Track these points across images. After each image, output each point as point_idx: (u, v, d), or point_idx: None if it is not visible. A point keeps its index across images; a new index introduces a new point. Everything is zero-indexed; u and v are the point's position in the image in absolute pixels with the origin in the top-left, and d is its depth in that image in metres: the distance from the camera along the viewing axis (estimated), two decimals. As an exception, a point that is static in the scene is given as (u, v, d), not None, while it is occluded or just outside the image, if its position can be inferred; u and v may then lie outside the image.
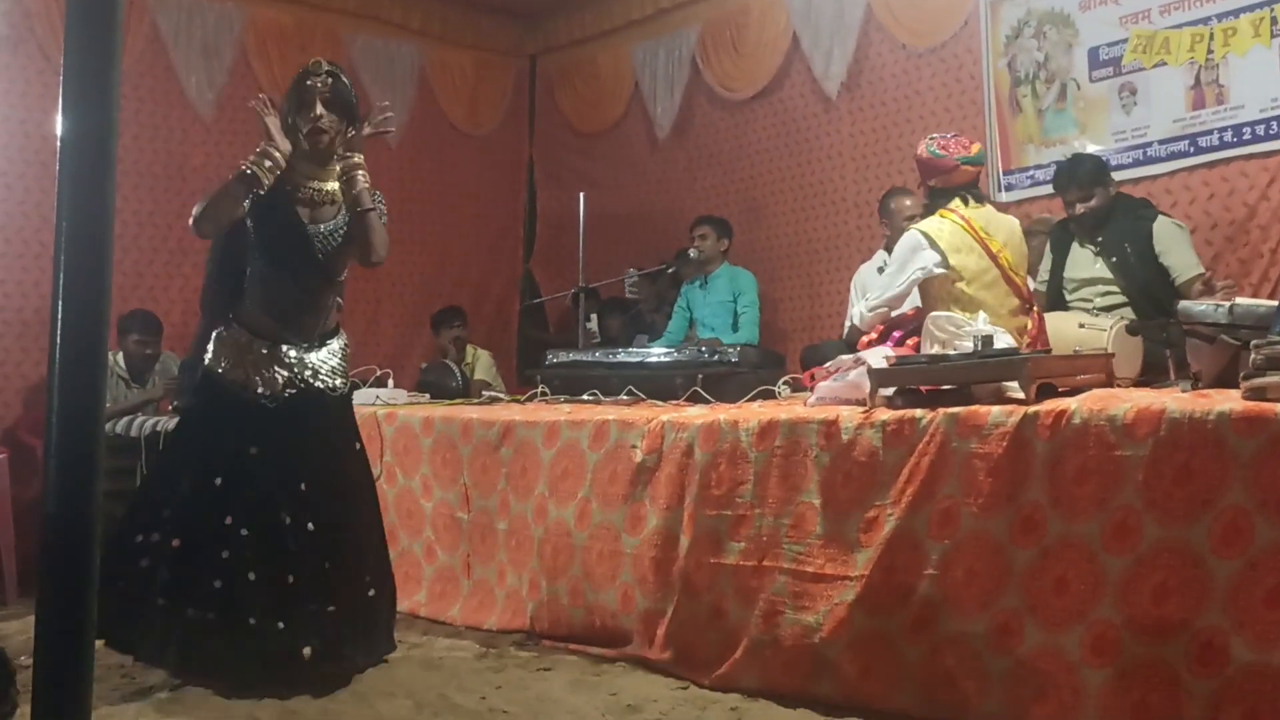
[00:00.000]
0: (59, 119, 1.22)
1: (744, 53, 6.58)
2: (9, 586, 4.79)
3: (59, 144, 1.16)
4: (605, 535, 3.67)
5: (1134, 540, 2.56)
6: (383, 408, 4.60)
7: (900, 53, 5.89)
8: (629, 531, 3.62)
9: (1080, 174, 4.27)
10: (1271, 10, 4.51)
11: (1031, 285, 4.55)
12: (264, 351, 3.39)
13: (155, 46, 6.07)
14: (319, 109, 3.26)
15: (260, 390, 3.36)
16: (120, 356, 5.36)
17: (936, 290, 3.49)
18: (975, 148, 3.63)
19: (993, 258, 3.46)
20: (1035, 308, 3.62)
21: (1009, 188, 5.45)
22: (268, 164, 3.20)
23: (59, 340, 1.05)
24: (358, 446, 3.56)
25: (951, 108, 5.72)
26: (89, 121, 1.15)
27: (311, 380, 3.42)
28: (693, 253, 5.77)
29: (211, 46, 6.26)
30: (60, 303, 1.08)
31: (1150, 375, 3.64)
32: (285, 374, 3.38)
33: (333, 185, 3.38)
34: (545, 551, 3.81)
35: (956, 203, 3.54)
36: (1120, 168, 4.86)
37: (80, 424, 1.04)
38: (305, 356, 3.43)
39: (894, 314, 3.66)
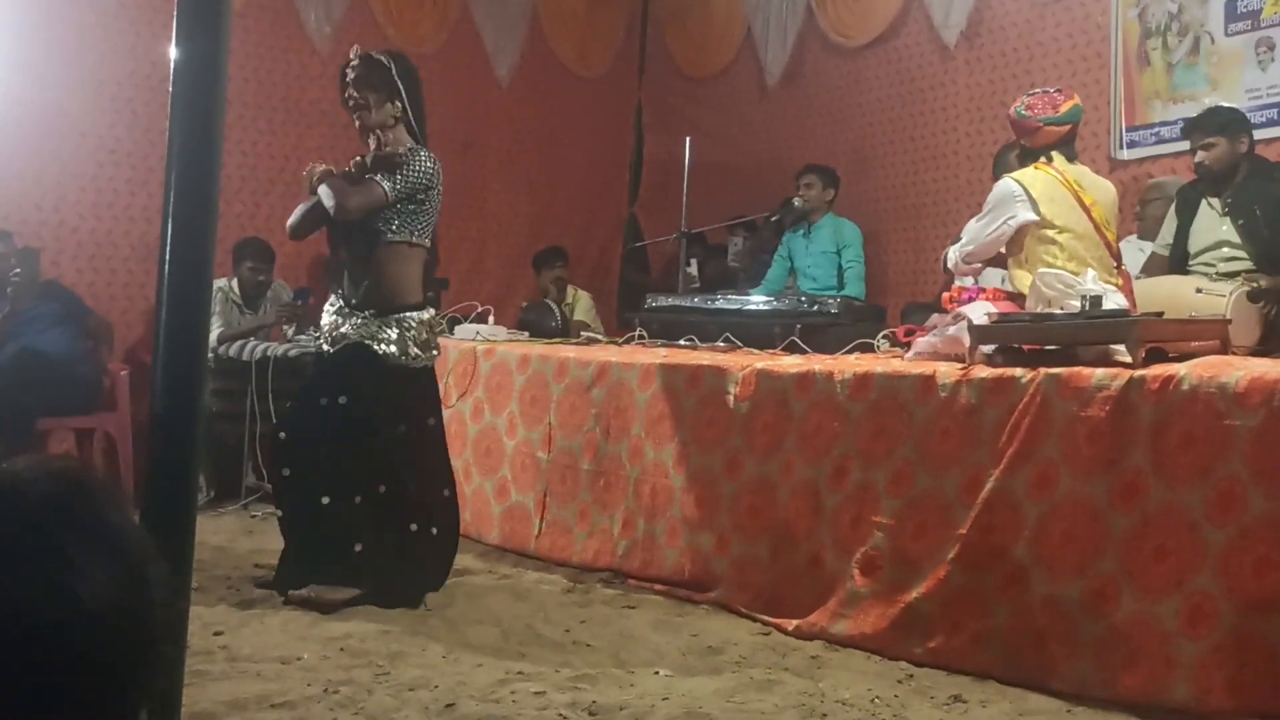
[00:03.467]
0: (172, 46, 1.25)
1: (860, -1, 6.42)
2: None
3: (172, 69, 1.20)
4: (703, 479, 3.69)
5: (1238, 511, 2.49)
6: (482, 343, 4.67)
7: (1025, 1, 5.68)
8: (727, 477, 3.63)
9: (1208, 121, 4.11)
10: None
11: (1149, 249, 4.43)
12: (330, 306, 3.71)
13: (275, -21, 6.18)
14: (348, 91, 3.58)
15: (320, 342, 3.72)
16: (235, 283, 5.52)
17: (1027, 240, 3.47)
18: (1066, 106, 3.59)
19: (1085, 210, 3.44)
20: (1122, 266, 3.61)
21: (1131, 145, 5.24)
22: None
23: (168, 254, 1.09)
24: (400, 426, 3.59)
25: (1075, 60, 5.50)
26: (200, 47, 1.18)
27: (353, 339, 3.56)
28: (797, 201, 5.70)
29: (331, -20, 6.34)
30: (169, 220, 1.12)
31: (1271, 344, 3.50)
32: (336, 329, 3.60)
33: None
34: (643, 492, 3.85)
35: (1052, 157, 3.54)
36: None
37: (185, 332, 1.09)
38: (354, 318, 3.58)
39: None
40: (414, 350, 3.50)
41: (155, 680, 0.72)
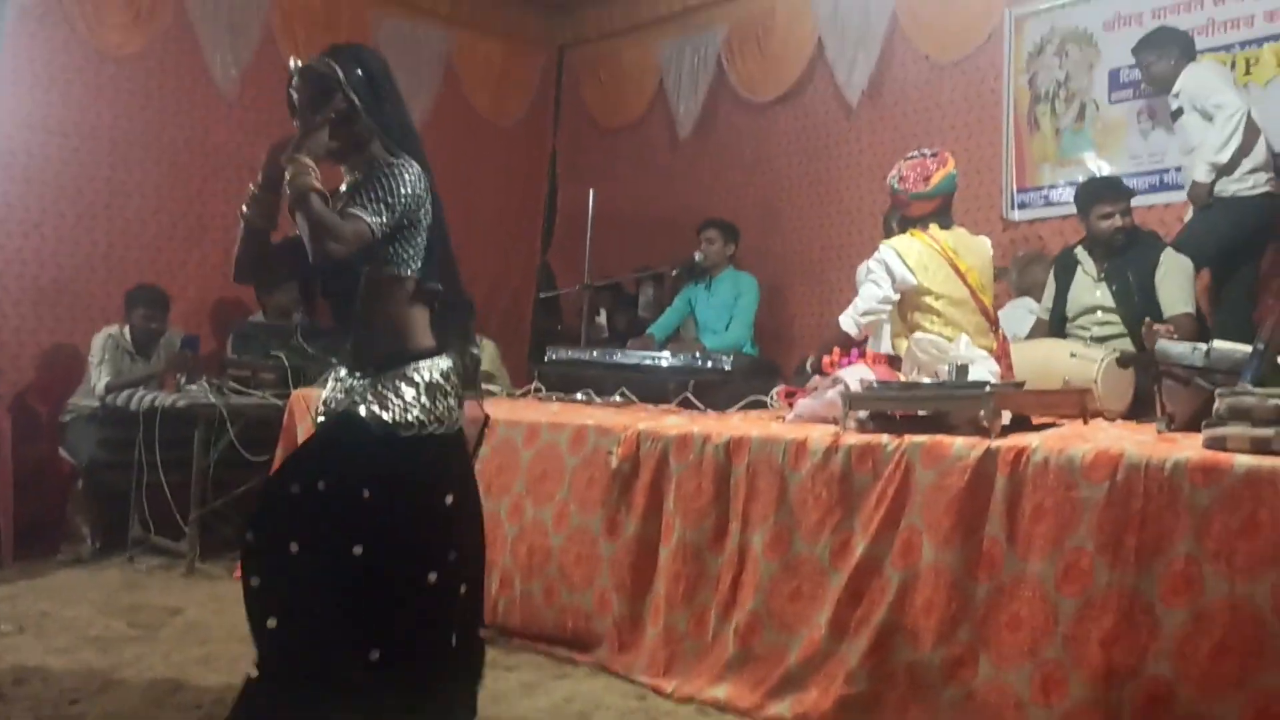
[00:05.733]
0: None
1: (769, 55, 6.55)
2: (5, 550, 4.86)
3: None
4: (583, 538, 3.68)
5: (1086, 583, 2.53)
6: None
7: (923, 64, 5.84)
8: (606, 536, 3.62)
9: (1121, 187, 4.27)
10: (1296, 41, 4.43)
11: (1033, 313, 4.54)
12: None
13: (181, 23, 6.11)
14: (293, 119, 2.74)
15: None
16: (127, 330, 5.41)
17: (905, 306, 3.65)
18: (938, 177, 3.70)
19: (961, 276, 3.55)
20: (1000, 330, 3.72)
21: (1022, 205, 5.38)
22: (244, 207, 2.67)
23: None
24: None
25: (971, 122, 5.66)
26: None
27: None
28: (698, 256, 5.76)
29: (238, 25, 6.29)
30: None
31: (1141, 409, 3.59)
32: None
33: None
34: (519, 550, 3.83)
35: (927, 226, 3.67)
36: (1136, 193, 4.80)
37: None
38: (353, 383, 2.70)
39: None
40: (418, 414, 2.59)
41: None
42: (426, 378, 2.61)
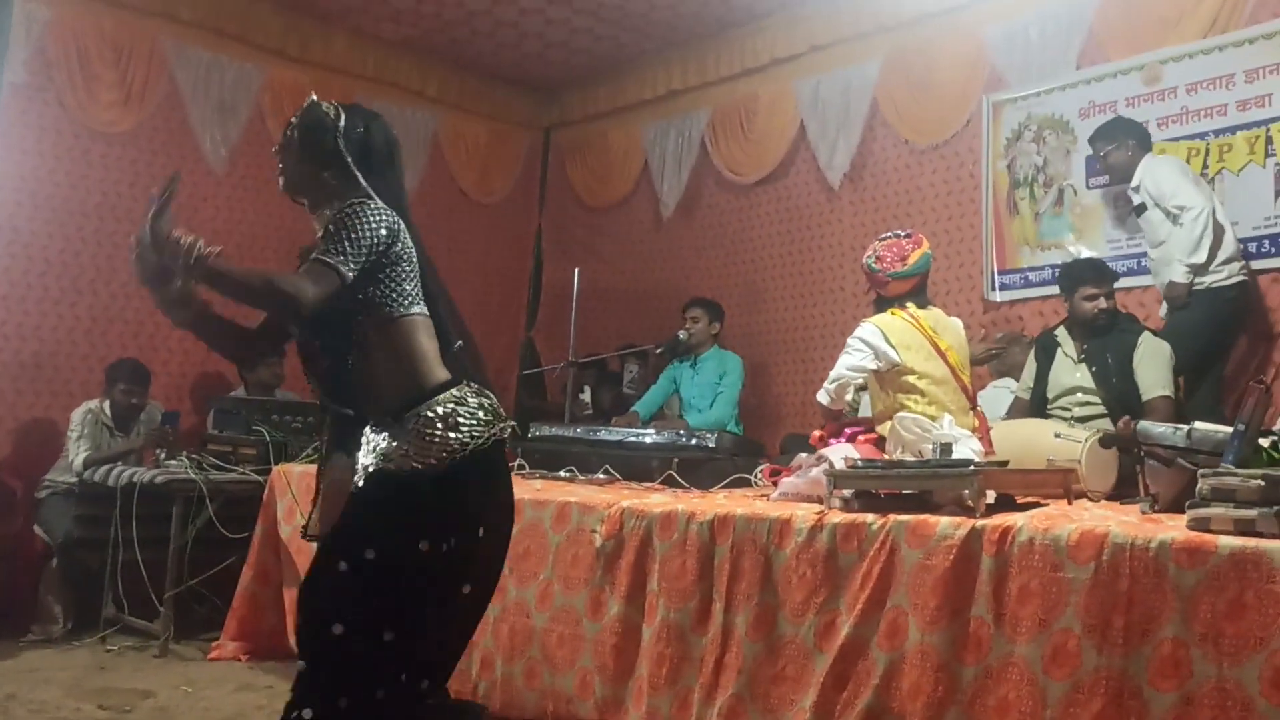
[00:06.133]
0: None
1: (752, 138, 6.66)
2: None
3: None
4: (566, 619, 3.63)
5: (1074, 665, 2.50)
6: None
7: (903, 148, 5.95)
8: (590, 616, 3.58)
9: (1106, 270, 4.32)
10: (1267, 130, 4.53)
11: (1014, 393, 4.57)
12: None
13: (172, 102, 6.19)
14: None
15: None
16: (107, 404, 5.38)
17: (889, 386, 3.64)
18: (914, 257, 3.74)
19: (941, 355, 3.59)
20: (978, 408, 3.73)
21: (1003, 287, 5.44)
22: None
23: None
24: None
25: (951, 205, 5.74)
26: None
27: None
28: (682, 334, 5.79)
29: (229, 103, 6.38)
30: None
31: (1125, 489, 3.59)
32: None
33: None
34: (501, 631, 3.77)
35: (906, 305, 3.72)
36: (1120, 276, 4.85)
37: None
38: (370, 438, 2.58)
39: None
40: (454, 440, 2.47)
41: None
42: (441, 410, 2.47)
